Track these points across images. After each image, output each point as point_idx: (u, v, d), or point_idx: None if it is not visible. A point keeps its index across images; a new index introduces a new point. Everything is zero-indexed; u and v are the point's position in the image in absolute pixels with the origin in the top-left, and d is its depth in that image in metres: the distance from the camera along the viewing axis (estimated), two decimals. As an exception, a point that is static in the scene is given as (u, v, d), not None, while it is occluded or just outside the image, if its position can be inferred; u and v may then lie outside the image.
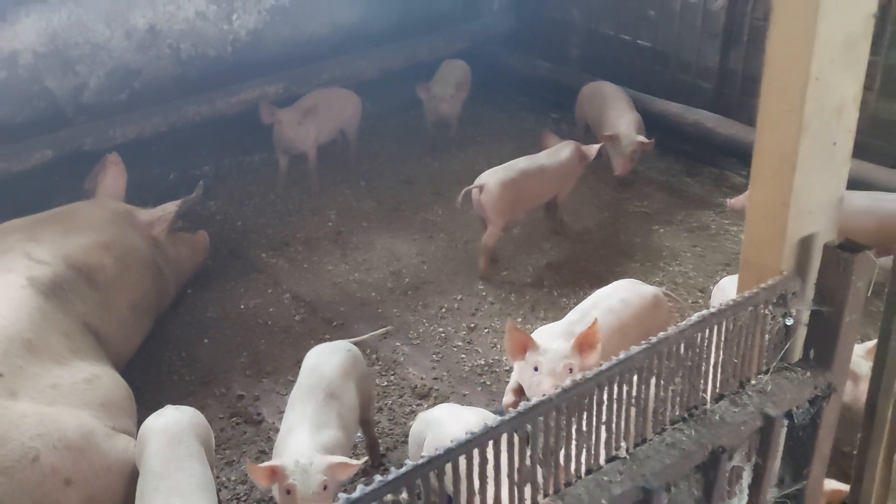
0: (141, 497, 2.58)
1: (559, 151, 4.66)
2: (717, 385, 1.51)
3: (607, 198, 5.27)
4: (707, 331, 1.45)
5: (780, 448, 1.67)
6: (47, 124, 4.85)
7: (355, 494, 1.05)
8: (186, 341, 3.98)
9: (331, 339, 3.81)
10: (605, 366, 1.31)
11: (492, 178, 4.37)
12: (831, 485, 2.14)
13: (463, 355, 3.89)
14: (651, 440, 1.41)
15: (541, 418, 1.24)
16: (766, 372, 1.58)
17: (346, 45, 6.06)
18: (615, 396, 1.35)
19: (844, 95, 1.52)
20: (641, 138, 5.00)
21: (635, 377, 1.36)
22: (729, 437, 1.43)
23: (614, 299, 3.31)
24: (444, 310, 4.20)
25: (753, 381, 1.56)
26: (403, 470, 1.10)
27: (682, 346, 1.42)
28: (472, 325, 4.09)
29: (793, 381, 1.56)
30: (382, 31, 6.21)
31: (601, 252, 4.71)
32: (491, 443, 1.19)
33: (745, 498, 1.55)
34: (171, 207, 4.07)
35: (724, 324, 1.47)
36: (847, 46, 1.47)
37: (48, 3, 4.78)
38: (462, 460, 1.16)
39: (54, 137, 4.74)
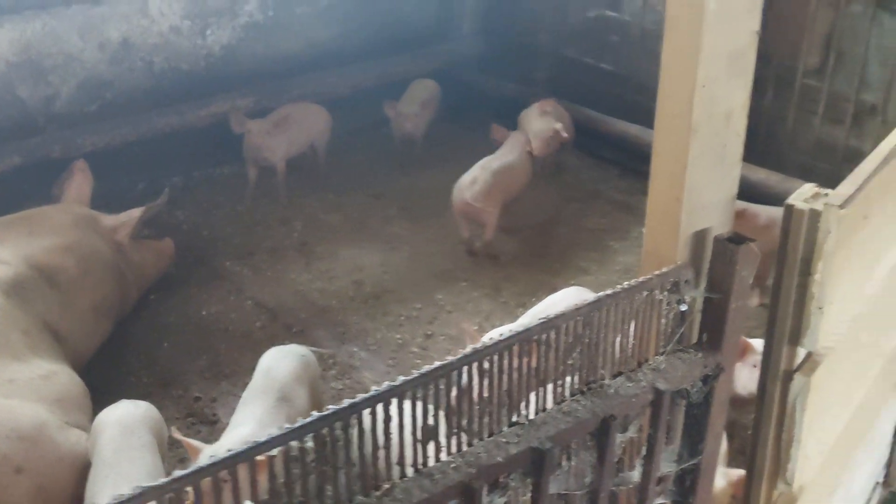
0: (92, 485, 2.67)
1: (516, 145, 4.99)
2: (616, 363, 1.66)
3: (567, 214, 5.45)
4: (604, 311, 1.60)
5: (679, 426, 1.82)
6: (18, 132, 4.95)
7: (263, 438, 1.18)
8: (147, 344, 4.08)
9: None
10: (504, 335, 1.45)
11: (475, 189, 4.61)
12: (740, 473, 2.30)
13: (418, 361, 4.02)
14: (550, 409, 1.55)
15: (442, 380, 1.38)
16: (664, 353, 1.72)
17: (320, 62, 6.22)
18: (515, 366, 1.49)
19: (732, 103, 1.69)
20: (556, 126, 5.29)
21: (533, 350, 1.51)
22: (620, 408, 1.58)
23: (562, 306, 3.46)
24: (402, 318, 4.33)
25: (651, 361, 1.71)
26: (310, 419, 1.23)
27: (580, 323, 1.57)
28: (429, 333, 4.23)
29: (685, 362, 1.71)
30: (356, 50, 6.38)
31: (557, 265, 4.87)
32: (395, 400, 1.32)
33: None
34: (135, 213, 4.19)
35: (619, 305, 1.62)
36: (732, 59, 1.64)
37: (23, 14, 4.91)
38: (367, 414, 1.29)
39: (24, 145, 4.85)
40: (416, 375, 1.33)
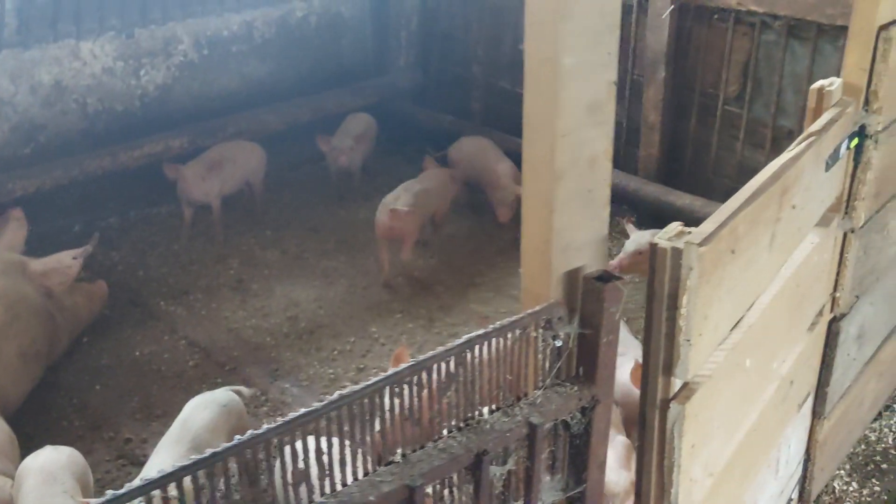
0: (12, 534, 2.68)
1: (437, 175, 5.26)
2: (493, 398, 1.74)
3: (502, 243, 5.55)
4: (476, 350, 1.68)
5: (564, 456, 1.90)
6: (-51, 178, 4.94)
7: (123, 490, 1.23)
8: (79, 388, 4.07)
9: (223, 383, 4.00)
10: (372, 380, 1.52)
11: (398, 203, 4.82)
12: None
13: (351, 395, 4.06)
14: (427, 446, 1.62)
15: (311, 425, 1.44)
16: (542, 387, 1.81)
17: (257, 99, 6.29)
18: (387, 407, 1.56)
19: (595, 150, 1.79)
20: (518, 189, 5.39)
21: (406, 390, 1.58)
22: (494, 443, 1.65)
23: None
24: (335, 352, 4.38)
25: (530, 396, 1.79)
26: (172, 469, 1.28)
27: (452, 363, 1.64)
28: (362, 367, 4.28)
29: (562, 395, 1.79)
30: (292, 86, 6.47)
31: (490, 294, 4.96)
32: (261, 446, 1.38)
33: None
34: (65, 260, 4.18)
35: (492, 343, 1.70)
36: (592, 109, 1.75)
37: (-50, 61, 4.91)
38: (233, 461, 1.35)
39: (-46, 190, 4.83)
40: (280, 423, 1.39)
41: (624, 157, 5.91)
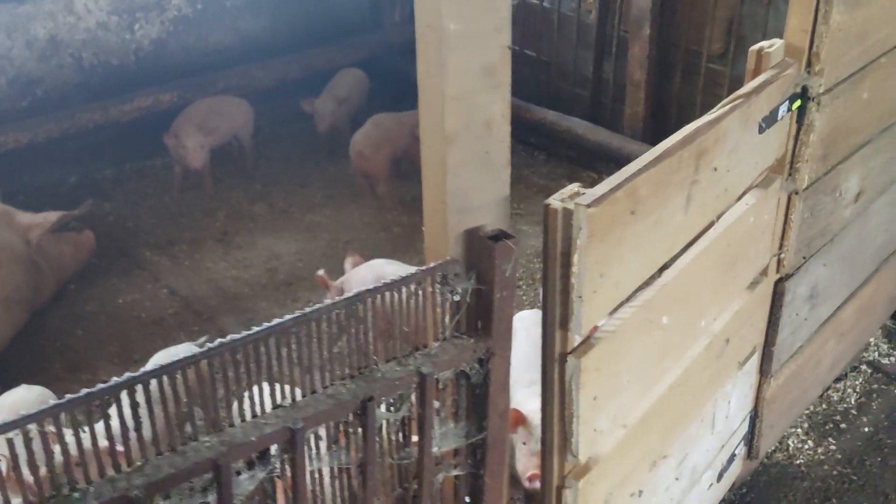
0: (-19, 469, 2.86)
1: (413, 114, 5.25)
2: (388, 349, 1.84)
3: (488, 200, 5.62)
4: (369, 302, 1.78)
5: (464, 405, 2.01)
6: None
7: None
8: (62, 333, 4.26)
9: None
10: (255, 329, 1.63)
11: (366, 142, 5.02)
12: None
13: (323, 345, 4.21)
14: (317, 392, 1.74)
15: (190, 368, 1.56)
16: (441, 339, 1.91)
17: (251, 54, 6.34)
18: (273, 355, 1.67)
19: (491, 112, 1.85)
20: None
21: (293, 341, 1.69)
22: (382, 390, 1.76)
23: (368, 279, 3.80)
24: (311, 303, 4.47)
25: (428, 347, 1.89)
26: (53, 404, 1.41)
27: (343, 314, 1.75)
28: (338, 318, 4.41)
29: (458, 347, 1.89)
30: (287, 41, 6.50)
31: (469, 250, 5.05)
32: (140, 387, 1.50)
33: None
34: (52, 217, 4.34)
35: (384, 297, 1.80)
36: (486, 73, 1.81)
37: (-55, 16, 5.02)
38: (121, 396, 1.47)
39: (-52, 141, 4.98)
40: (160, 366, 1.51)
41: (611, 115, 5.92)
